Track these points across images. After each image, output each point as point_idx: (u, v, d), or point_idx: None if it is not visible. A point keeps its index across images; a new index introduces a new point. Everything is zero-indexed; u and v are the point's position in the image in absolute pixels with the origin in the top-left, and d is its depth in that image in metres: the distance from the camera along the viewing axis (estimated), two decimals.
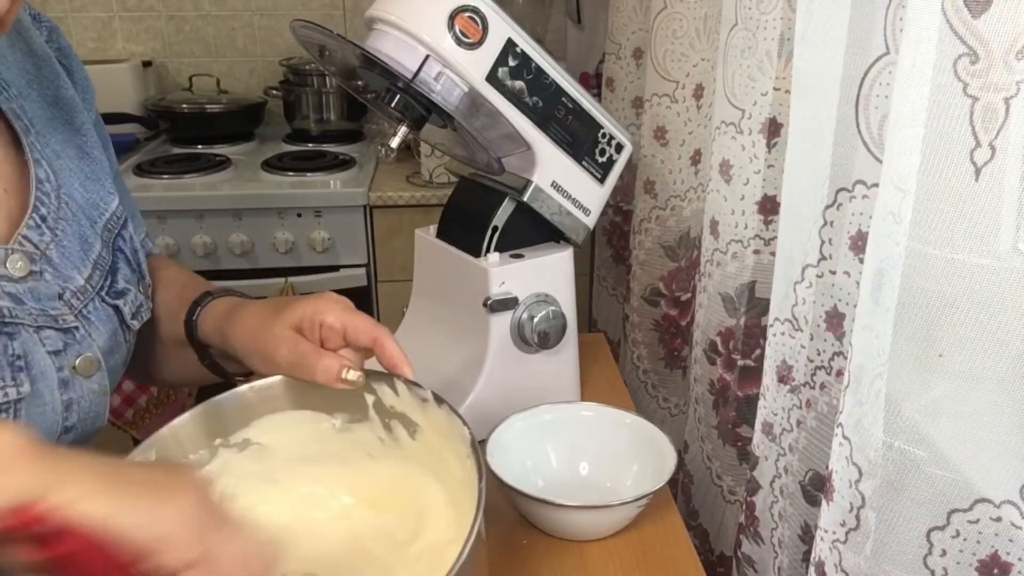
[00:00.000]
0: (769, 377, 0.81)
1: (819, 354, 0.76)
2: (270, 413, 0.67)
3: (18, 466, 0.41)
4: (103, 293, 0.69)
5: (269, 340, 0.66)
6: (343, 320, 0.65)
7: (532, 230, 0.94)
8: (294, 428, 0.67)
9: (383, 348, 0.65)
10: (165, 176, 1.83)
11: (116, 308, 0.70)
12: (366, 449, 0.68)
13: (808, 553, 0.79)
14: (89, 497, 0.42)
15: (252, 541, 0.49)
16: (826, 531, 0.64)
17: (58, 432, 0.63)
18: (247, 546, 0.48)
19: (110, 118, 1.95)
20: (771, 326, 0.80)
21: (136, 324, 0.72)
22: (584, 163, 0.93)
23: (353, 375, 0.63)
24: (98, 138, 0.75)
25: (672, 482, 0.82)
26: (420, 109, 0.84)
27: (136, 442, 0.63)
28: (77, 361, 0.65)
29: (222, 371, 0.76)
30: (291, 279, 1.74)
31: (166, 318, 0.77)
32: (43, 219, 0.65)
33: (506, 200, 0.92)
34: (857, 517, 0.60)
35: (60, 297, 0.65)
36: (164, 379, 0.82)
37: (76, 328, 0.65)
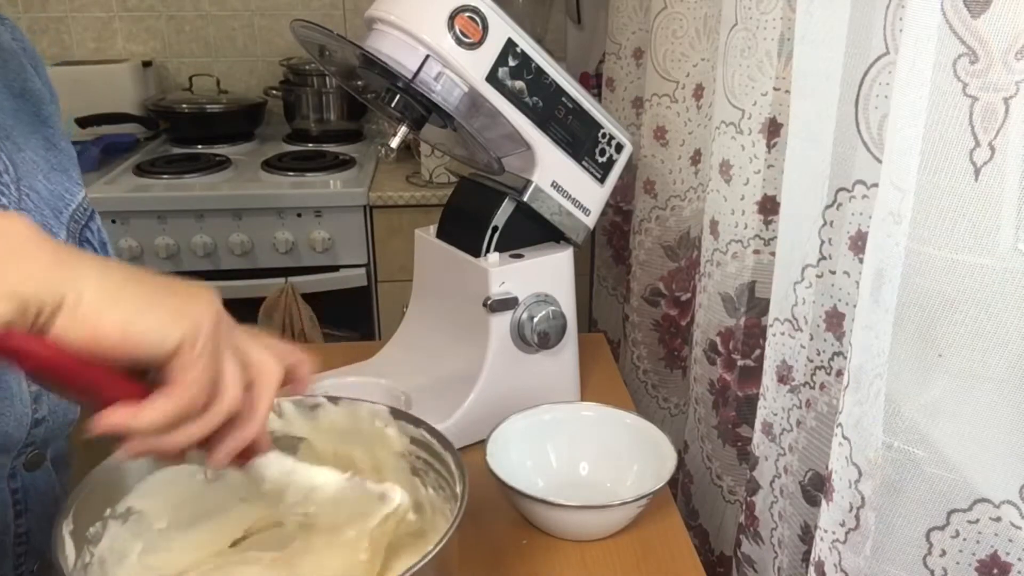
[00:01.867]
0: (769, 377, 0.81)
1: (819, 354, 0.76)
2: (152, 471, 0.62)
3: (35, 255, 0.40)
4: None
5: None
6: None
7: (532, 230, 0.94)
8: (166, 488, 0.62)
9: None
10: (165, 176, 1.83)
11: None
12: (238, 493, 0.64)
13: (808, 553, 0.79)
14: (104, 299, 0.40)
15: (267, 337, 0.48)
16: (826, 531, 0.64)
17: (28, 425, 0.62)
18: (265, 339, 0.48)
19: (110, 118, 1.96)
20: (771, 326, 0.80)
21: None
22: (584, 163, 0.93)
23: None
24: (65, 131, 0.73)
25: (672, 482, 0.82)
26: (420, 109, 0.84)
27: None
28: None
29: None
30: (291, 279, 1.74)
31: None
32: (4, 210, 0.64)
33: (506, 200, 0.92)
34: (857, 517, 0.60)
35: None
36: None
37: None
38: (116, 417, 0.42)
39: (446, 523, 0.61)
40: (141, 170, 1.84)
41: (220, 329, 0.45)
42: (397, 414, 0.65)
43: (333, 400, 0.65)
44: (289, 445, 0.65)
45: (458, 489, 0.58)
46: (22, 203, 0.66)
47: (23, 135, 0.68)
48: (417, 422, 0.64)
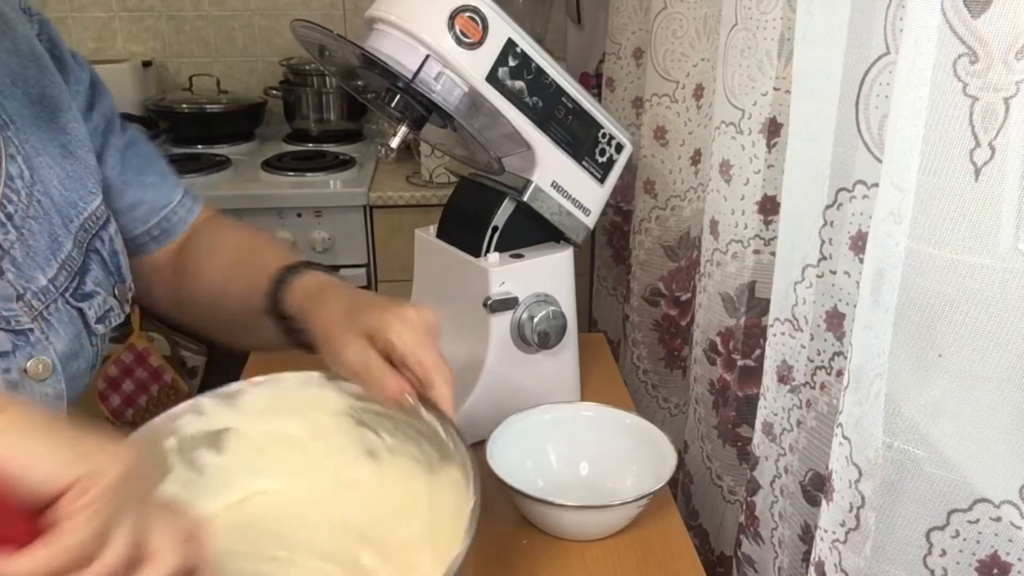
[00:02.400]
0: (769, 377, 0.81)
1: (819, 354, 0.76)
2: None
3: None
4: (67, 295, 0.68)
5: (340, 339, 0.65)
6: (406, 347, 0.63)
7: (532, 230, 0.94)
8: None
9: (431, 391, 0.63)
10: None
11: (80, 311, 0.68)
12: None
13: (808, 553, 0.79)
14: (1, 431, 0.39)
15: (182, 517, 0.45)
16: (826, 531, 0.64)
17: None
18: (176, 520, 0.44)
19: None
20: (771, 326, 0.80)
21: (101, 329, 0.71)
22: (584, 163, 0.93)
23: (410, 400, 0.62)
24: (85, 125, 0.74)
25: (672, 482, 0.82)
26: (420, 109, 0.84)
27: None
28: (28, 364, 0.63)
29: (303, 343, 0.73)
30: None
31: (247, 287, 0.75)
32: (9, 217, 0.64)
33: (506, 200, 0.92)
34: (857, 517, 0.60)
35: (19, 298, 0.63)
36: (240, 345, 0.82)
37: (31, 330, 0.64)
38: None
39: (414, 464, 0.64)
40: None
41: (124, 489, 0.41)
42: (332, 377, 0.65)
43: (252, 383, 0.65)
44: (215, 440, 0.65)
45: (453, 446, 0.58)
46: (30, 210, 0.66)
47: (41, 141, 0.69)
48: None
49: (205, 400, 0.64)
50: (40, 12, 0.73)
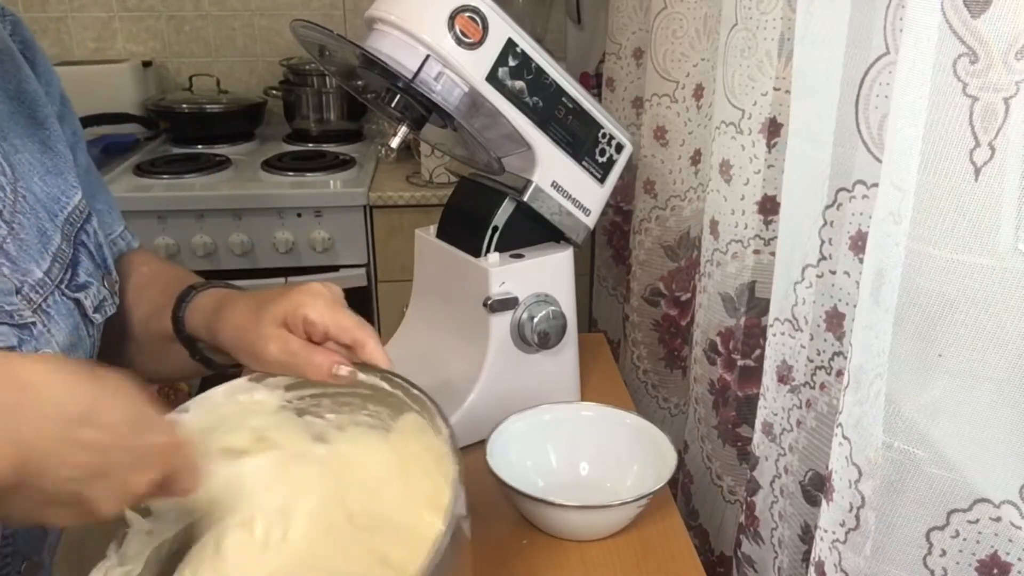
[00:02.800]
0: (769, 377, 0.81)
1: (819, 354, 0.76)
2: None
3: None
4: (63, 287, 0.68)
5: (257, 339, 0.64)
6: (324, 317, 0.63)
7: (532, 230, 0.94)
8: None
9: (363, 351, 0.62)
10: (165, 176, 1.83)
11: (77, 301, 0.69)
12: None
13: (808, 553, 0.79)
14: None
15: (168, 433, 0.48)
16: (826, 531, 0.64)
17: None
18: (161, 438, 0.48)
19: (110, 118, 1.96)
20: (771, 326, 0.80)
21: (99, 318, 0.71)
22: (584, 163, 0.93)
23: (344, 370, 0.61)
24: (63, 132, 0.73)
25: (672, 482, 0.82)
26: (420, 109, 0.84)
27: None
28: None
29: (213, 364, 0.75)
30: (291, 279, 1.74)
31: (153, 314, 0.76)
32: None
33: (506, 200, 0.92)
34: (857, 517, 0.60)
35: (18, 292, 0.63)
36: (159, 374, 0.81)
37: (33, 324, 0.64)
38: None
39: (367, 430, 0.64)
40: (141, 170, 1.84)
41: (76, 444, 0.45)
42: (258, 378, 0.64)
43: (183, 410, 0.63)
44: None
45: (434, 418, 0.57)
46: (17, 205, 0.66)
47: (19, 137, 0.68)
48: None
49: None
50: (13, 12, 0.73)
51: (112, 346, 0.77)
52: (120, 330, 0.78)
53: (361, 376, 0.62)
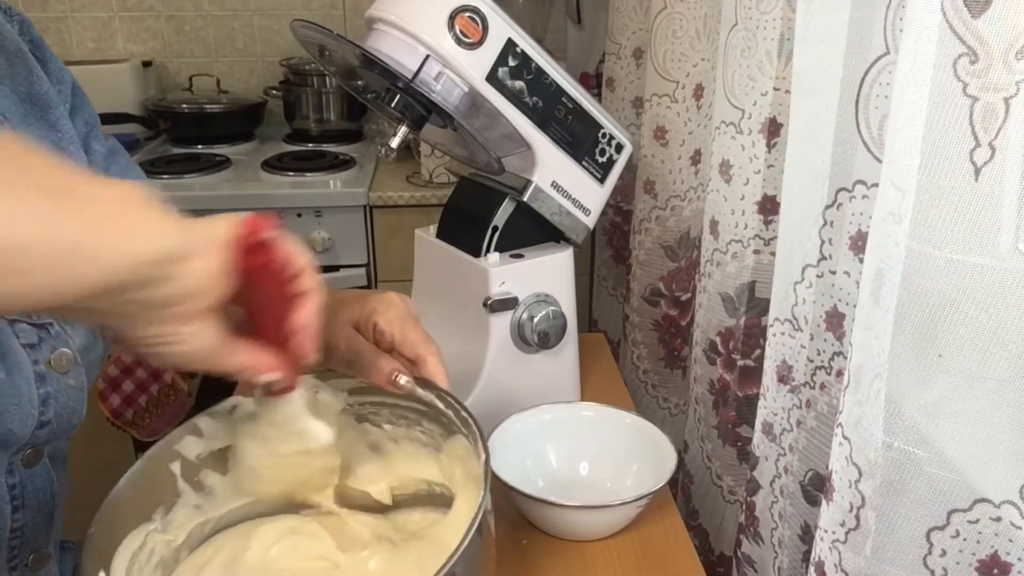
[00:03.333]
0: (769, 377, 0.81)
1: (819, 354, 0.76)
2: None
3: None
4: None
5: (328, 336, 0.64)
6: (393, 327, 0.64)
7: (532, 230, 0.94)
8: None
9: (424, 366, 0.63)
10: (165, 176, 1.83)
11: None
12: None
13: (808, 553, 0.79)
14: None
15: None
16: (826, 531, 0.64)
17: (33, 426, 0.62)
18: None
19: (110, 118, 1.95)
20: (771, 326, 0.80)
21: None
22: (584, 163, 0.93)
23: (404, 380, 0.62)
24: (75, 128, 0.73)
25: (672, 482, 0.82)
26: (420, 109, 0.84)
27: (135, 442, 0.62)
28: (52, 355, 0.64)
29: None
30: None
31: None
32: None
33: (506, 200, 0.92)
34: (857, 517, 0.60)
35: None
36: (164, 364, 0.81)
37: (51, 324, 0.64)
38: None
39: (419, 447, 0.65)
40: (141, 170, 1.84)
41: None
42: (323, 376, 0.64)
43: (246, 398, 0.63)
44: (219, 461, 0.62)
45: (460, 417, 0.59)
46: None
47: (34, 139, 0.68)
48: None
49: (202, 421, 0.63)
50: (21, 12, 0.73)
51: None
52: None
53: (419, 391, 0.62)
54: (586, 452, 0.86)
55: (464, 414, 0.59)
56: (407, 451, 0.66)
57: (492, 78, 0.82)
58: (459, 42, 0.80)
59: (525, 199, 0.90)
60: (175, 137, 2.09)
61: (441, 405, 0.61)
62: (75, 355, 0.66)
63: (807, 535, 0.81)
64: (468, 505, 0.59)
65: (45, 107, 0.71)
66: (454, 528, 0.59)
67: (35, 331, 0.63)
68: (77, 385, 0.66)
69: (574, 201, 0.93)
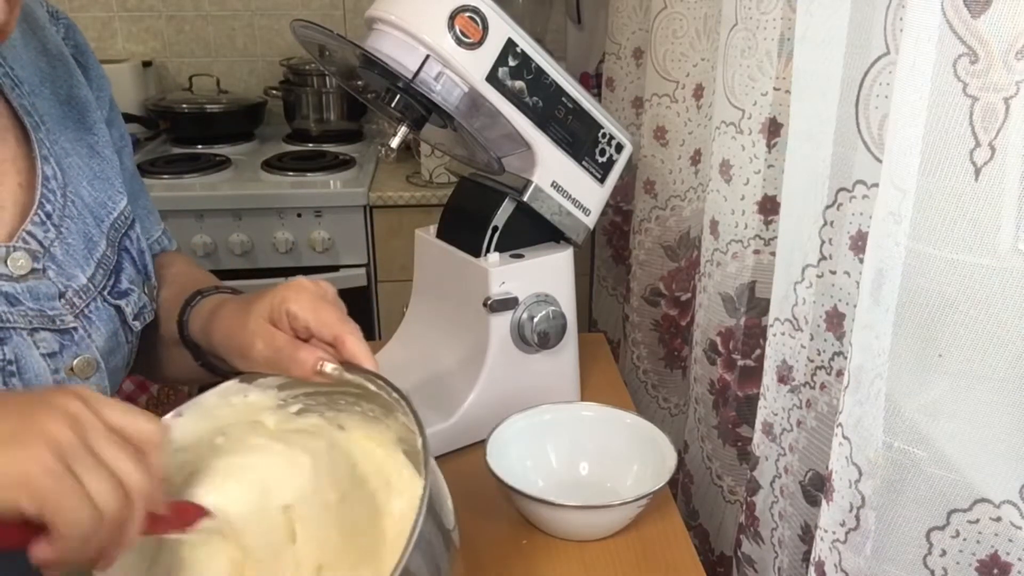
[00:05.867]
0: (769, 377, 0.81)
1: (819, 354, 0.76)
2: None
3: None
4: (105, 293, 0.69)
5: (244, 336, 0.63)
6: (306, 311, 0.61)
7: (532, 230, 0.94)
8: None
9: (343, 347, 0.60)
10: (165, 176, 1.83)
11: (118, 308, 0.70)
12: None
13: (808, 553, 0.79)
14: None
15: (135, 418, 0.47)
16: (826, 531, 0.64)
17: None
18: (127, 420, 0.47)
19: None
20: (771, 326, 0.80)
21: (138, 325, 0.72)
22: (584, 163, 0.93)
23: (330, 368, 0.59)
24: (110, 137, 0.74)
25: (672, 482, 0.82)
26: (420, 109, 0.84)
27: None
28: (75, 362, 0.64)
29: (217, 370, 0.74)
30: (291, 279, 1.74)
31: (165, 317, 0.77)
32: (48, 216, 0.65)
33: (506, 200, 0.92)
34: (857, 517, 0.60)
35: (61, 296, 0.64)
36: (166, 377, 0.81)
37: (75, 329, 0.65)
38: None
39: (370, 421, 0.62)
40: (141, 170, 1.82)
41: (65, 459, 0.43)
42: (249, 378, 0.63)
43: (177, 415, 0.61)
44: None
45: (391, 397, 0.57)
46: (66, 209, 0.67)
47: (70, 142, 0.69)
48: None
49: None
50: (67, 17, 0.74)
51: (144, 345, 0.77)
52: (150, 331, 0.78)
53: (347, 375, 0.60)
54: (586, 452, 0.86)
55: (397, 394, 0.56)
56: (357, 423, 0.64)
57: (492, 78, 0.82)
58: (459, 42, 0.80)
59: (525, 199, 0.90)
60: (175, 137, 2.09)
61: (372, 388, 0.59)
62: (98, 360, 0.66)
63: (807, 535, 0.81)
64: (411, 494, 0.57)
65: (83, 110, 0.71)
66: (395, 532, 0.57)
67: (58, 338, 0.63)
68: (99, 390, 0.66)
69: (574, 201, 0.93)
